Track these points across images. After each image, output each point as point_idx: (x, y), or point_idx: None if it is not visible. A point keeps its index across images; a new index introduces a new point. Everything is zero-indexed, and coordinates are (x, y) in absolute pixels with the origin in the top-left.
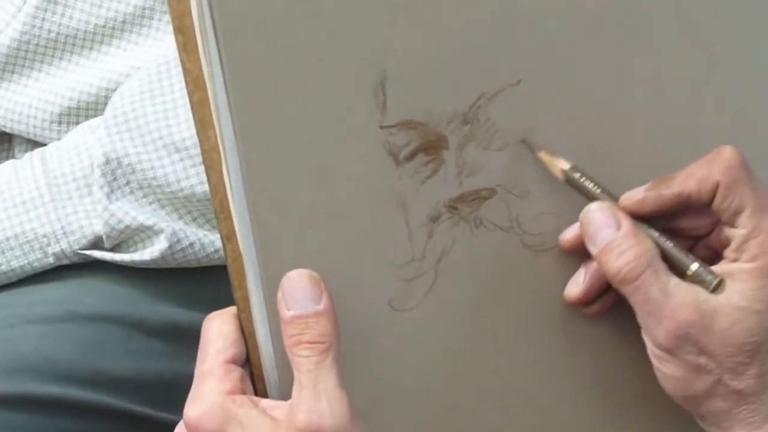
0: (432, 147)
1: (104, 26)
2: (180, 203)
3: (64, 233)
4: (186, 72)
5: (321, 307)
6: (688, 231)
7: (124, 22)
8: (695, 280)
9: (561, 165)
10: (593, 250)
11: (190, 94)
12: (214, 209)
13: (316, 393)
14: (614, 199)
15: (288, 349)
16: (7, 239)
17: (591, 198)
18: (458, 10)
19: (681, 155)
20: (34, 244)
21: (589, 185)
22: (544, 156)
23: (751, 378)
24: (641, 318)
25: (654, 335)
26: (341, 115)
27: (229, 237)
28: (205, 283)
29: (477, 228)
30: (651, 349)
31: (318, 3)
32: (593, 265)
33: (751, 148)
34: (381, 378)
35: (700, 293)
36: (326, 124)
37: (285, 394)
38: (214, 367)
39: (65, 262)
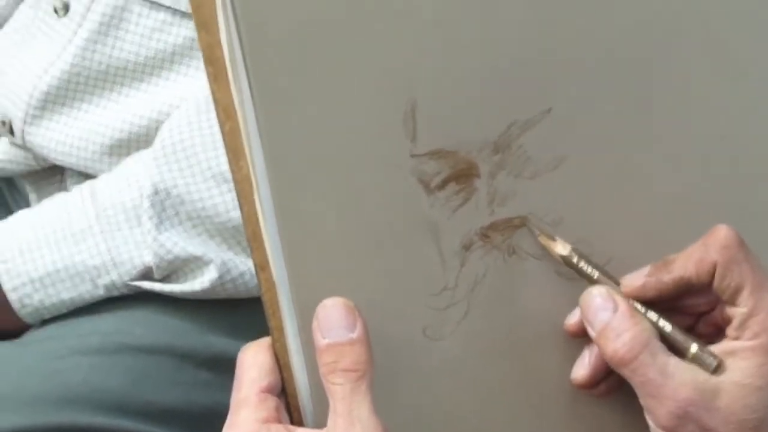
0: (463, 175)
1: (154, 58)
2: (229, 233)
3: (114, 264)
4: (217, 102)
5: (355, 335)
6: (690, 308)
7: (173, 53)
8: (695, 361)
9: (559, 249)
10: (592, 333)
11: (222, 124)
12: (246, 238)
13: (350, 420)
14: (614, 280)
15: (323, 377)
16: (57, 271)
17: (590, 281)
18: (487, 40)
19: (710, 180)
20: (85, 276)
21: (588, 269)
22: (543, 239)
23: None
24: (642, 399)
25: (656, 416)
26: (372, 144)
27: (262, 266)
28: (255, 313)
29: (510, 256)
30: (654, 429)
31: (347, 32)
32: (596, 347)
33: None
34: (414, 406)
35: (699, 373)
36: (357, 153)
37: (320, 424)
38: (249, 395)
39: (115, 293)
